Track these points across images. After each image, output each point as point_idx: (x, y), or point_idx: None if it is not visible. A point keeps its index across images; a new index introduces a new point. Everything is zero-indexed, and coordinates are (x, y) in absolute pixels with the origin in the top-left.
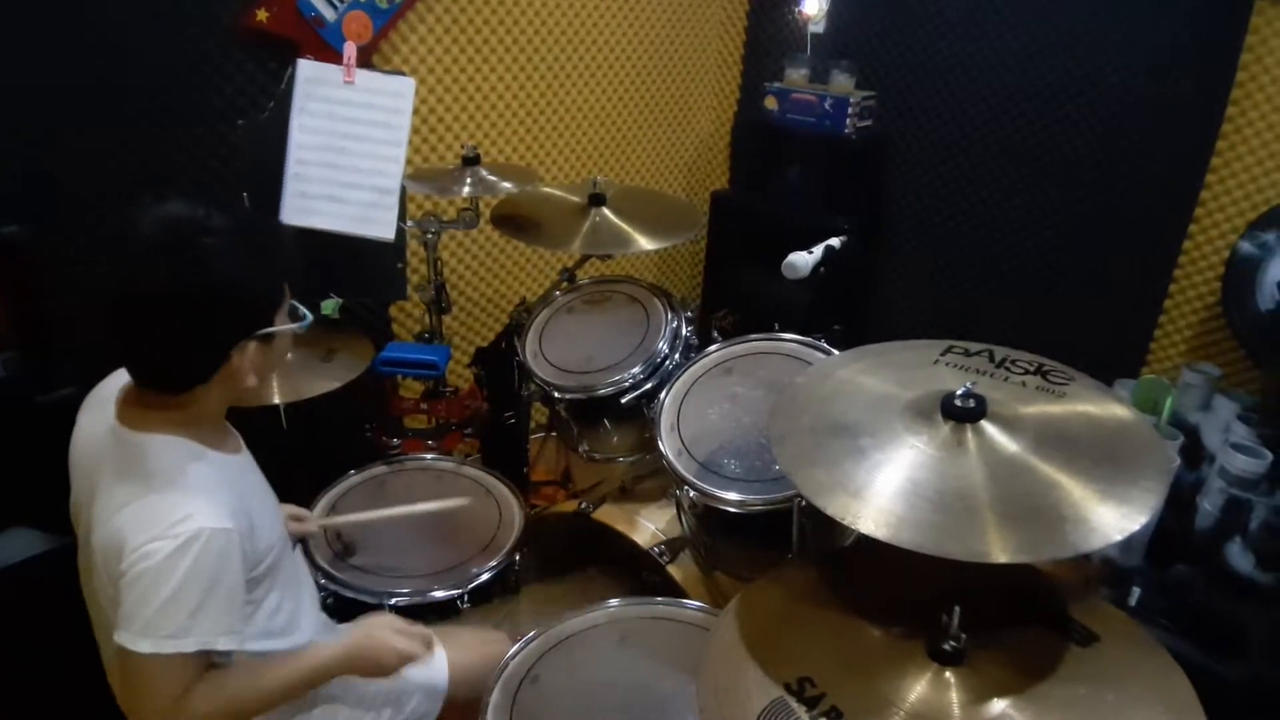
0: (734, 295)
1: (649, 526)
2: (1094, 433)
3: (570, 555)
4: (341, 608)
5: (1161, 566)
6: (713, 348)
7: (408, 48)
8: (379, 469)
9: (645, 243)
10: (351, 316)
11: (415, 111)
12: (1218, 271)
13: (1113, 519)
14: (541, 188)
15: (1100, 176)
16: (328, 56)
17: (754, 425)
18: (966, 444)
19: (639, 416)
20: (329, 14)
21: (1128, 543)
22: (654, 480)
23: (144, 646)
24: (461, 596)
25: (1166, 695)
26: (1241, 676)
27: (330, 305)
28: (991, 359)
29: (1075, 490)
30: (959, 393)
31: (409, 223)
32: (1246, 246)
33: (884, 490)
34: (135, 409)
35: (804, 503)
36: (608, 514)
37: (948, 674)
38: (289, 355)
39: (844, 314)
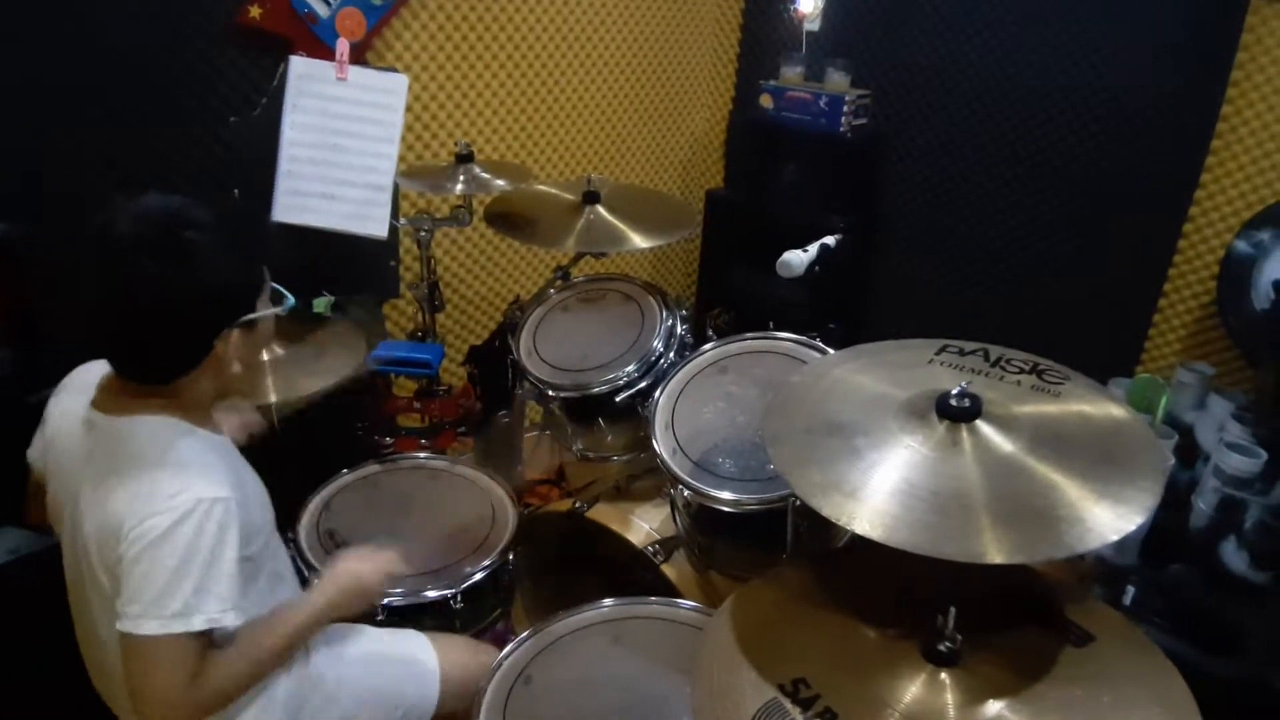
0: (729, 294)
1: (643, 526)
2: (1089, 432)
3: (564, 555)
4: None
5: (1156, 566)
6: (707, 346)
7: (401, 44)
8: (372, 468)
9: (640, 241)
10: (344, 314)
11: (408, 108)
12: (1212, 270)
13: (1109, 519)
14: (535, 185)
15: (1095, 175)
16: (320, 53)
17: (749, 424)
18: (962, 444)
19: (633, 415)
20: (322, 10)
21: (1122, 542)
22: (648, 479)
23: (150, 628)
24: (455, 596)
25: (1163, 696)
26: (1237, 675)
27: (322, 303)
28: (986, 358)
29: (1071, 490)
30: (954, 392)
31: (402, 220)
32: (1242, 246)
33: (879, 490)
34: (118, 397)
35: (799, 502)
36: (602, 513)
37: (943, 675)
38: (274, 346)
39: (839, 313)
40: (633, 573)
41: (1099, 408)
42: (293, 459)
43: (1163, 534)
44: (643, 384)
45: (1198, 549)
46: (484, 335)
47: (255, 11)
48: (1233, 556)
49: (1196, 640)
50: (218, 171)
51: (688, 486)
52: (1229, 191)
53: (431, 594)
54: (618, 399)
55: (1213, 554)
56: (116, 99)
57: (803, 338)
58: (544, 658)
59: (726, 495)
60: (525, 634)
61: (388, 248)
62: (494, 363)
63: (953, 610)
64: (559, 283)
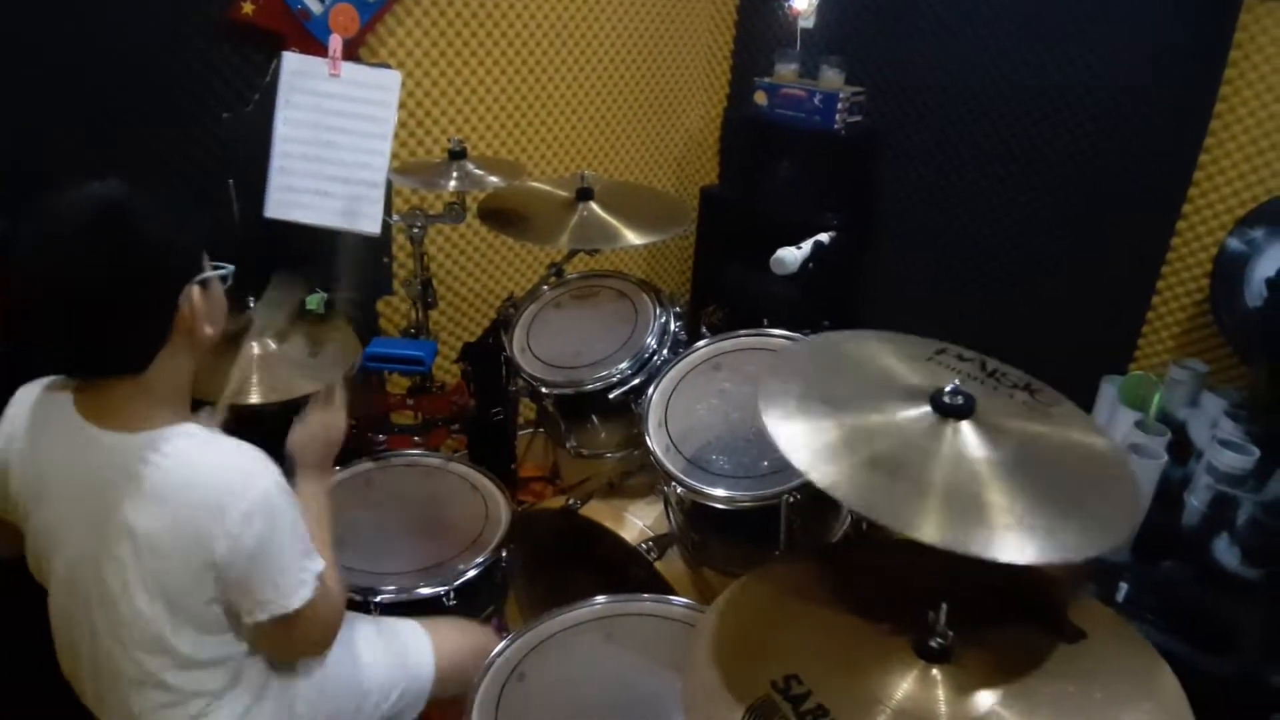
0: (723, 291)
1: (637, 523)
2: (1069, 467)
3: (558, 552)
4: None
5: (1149, 562)
6: (701, 343)
7: (394, 41)
8: (365, 465)
9: (633, 238)
10: (336, 311)
11: (402, 105)
12: (1206, 268)
13: (1030, 548)
14: (529, 182)
15: (1089, 172)
16: (314, 49)
17: (742, 421)
18: (943, 437)
19: (627, 412)
20: (315, 7)
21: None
22: (642, 476)
23: (297, 601)
24: (448, 593)
25: (1154, 692)
26: (1229, 672)
27: (315, 300)
28: (983, 368)
29: (1015, 510)
30: (948, 389)
31: (395, 217)
32: (1235, 243)
33: (847, 450)
34: (113, 412)
35: (792, 499)
36: (595, 510)
37: (934, 671)
38: (268, 342)
39: (833, 310)
40: (627, 570)
41: (1088, 441)
42: (284, 456)
43: (1156, 531)
44: (636, 381)
45: (1190, 546)
46: (478, 332)
47: (248, 8)
48: (1225, 553)
49: (1189, 637)
50: (211, 168)
51: (681, 484)
52: (1222, 189)
53: (424, 591)
54: (611, 396)
55: (1205, 551)
56: (110, 95)
57: (796, 334)
58: (537, 655)
59: (720, 492)
60: (518, 631)
61: (380, 245)
62: (488, 360)
63: (944, 606)
64: (553, 279)
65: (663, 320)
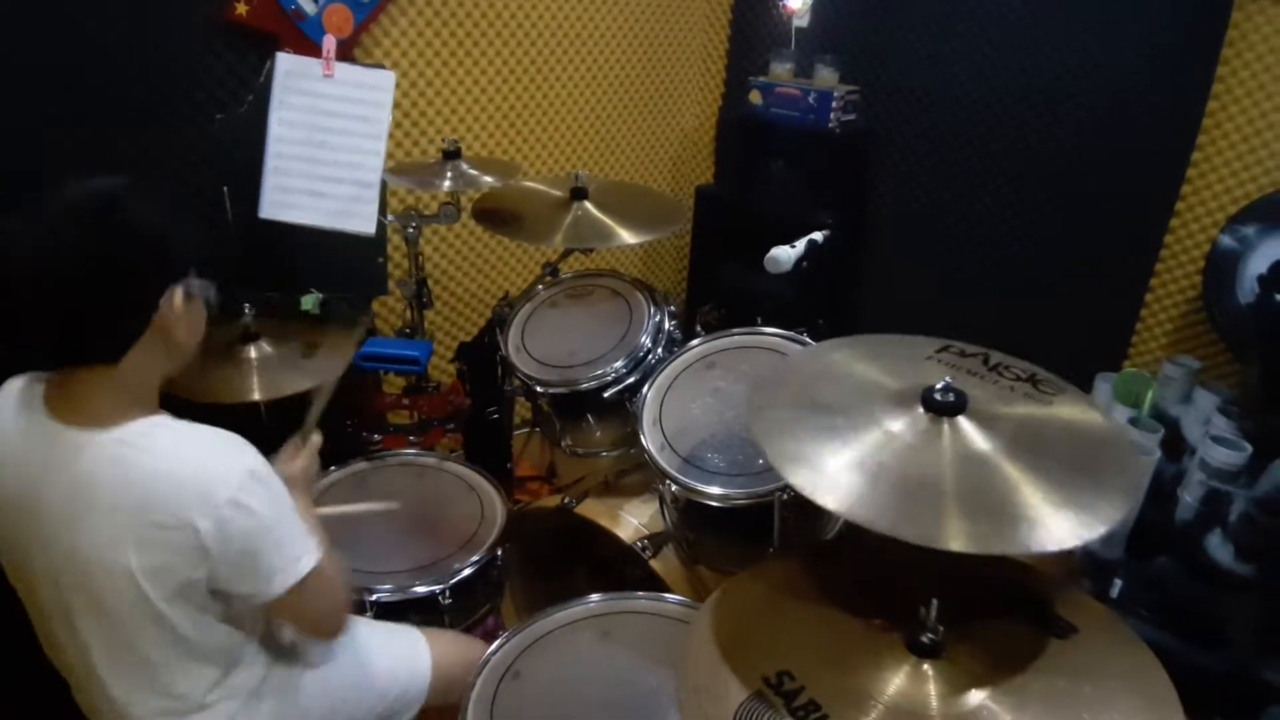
0: (719, 290)
1: (632, 521)
2: (1070, 441)
3: (553, 551)
4: None
5: (1143, 558)
6: (694, 342)
7: (389, 41)
8: (360, 465)
9: (628, 236)
10: (333, 311)
11: (396, 105)
12: (1199, 265)
13: (1068, 527)
14: (523, 182)
15: (1083, 170)
16: (307, 50)
17: (736, 419)
18: (941, 437)
19: (621, 411)
20: (309, 7)
21: (1109, 535)
22: (637, 475)
23: (305, 567)
24: (443, 592)
25: (1144, 687)
26: (1222, 667)
27: (310, 300)
28: (985, 362)
29: (1036, 493)
30: (939, 387)
31: (390, 217)
32: (1226, 240)
33: (849, 467)
34: (84, 410)
35: (785, 496)
36: (590, 509)
37: (926, 666)
38: (263, 344)
39: (829, 308)
40: (622, 568)
41: (1085, 418)
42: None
43: (1149, 527)
44: (631, 379)
45: (1183, 542)
46: (473, 332)
47: (242, 8)
48: (1218, 549)
49: (1183, 633)
50: (204, 169)
51: (675, 481)
52: (1214, 187)
53: (420, 589)
54: (606, 395)
55: (1198, 547)
56: (103, 95)
57: (789, 333)
58: (533, 653)
59: (714, 490)
60: (514, 629)
61: (375, 245)
62: (483, 360)
63: (935, 602)
64: (547, 279)
65: (657, 319)
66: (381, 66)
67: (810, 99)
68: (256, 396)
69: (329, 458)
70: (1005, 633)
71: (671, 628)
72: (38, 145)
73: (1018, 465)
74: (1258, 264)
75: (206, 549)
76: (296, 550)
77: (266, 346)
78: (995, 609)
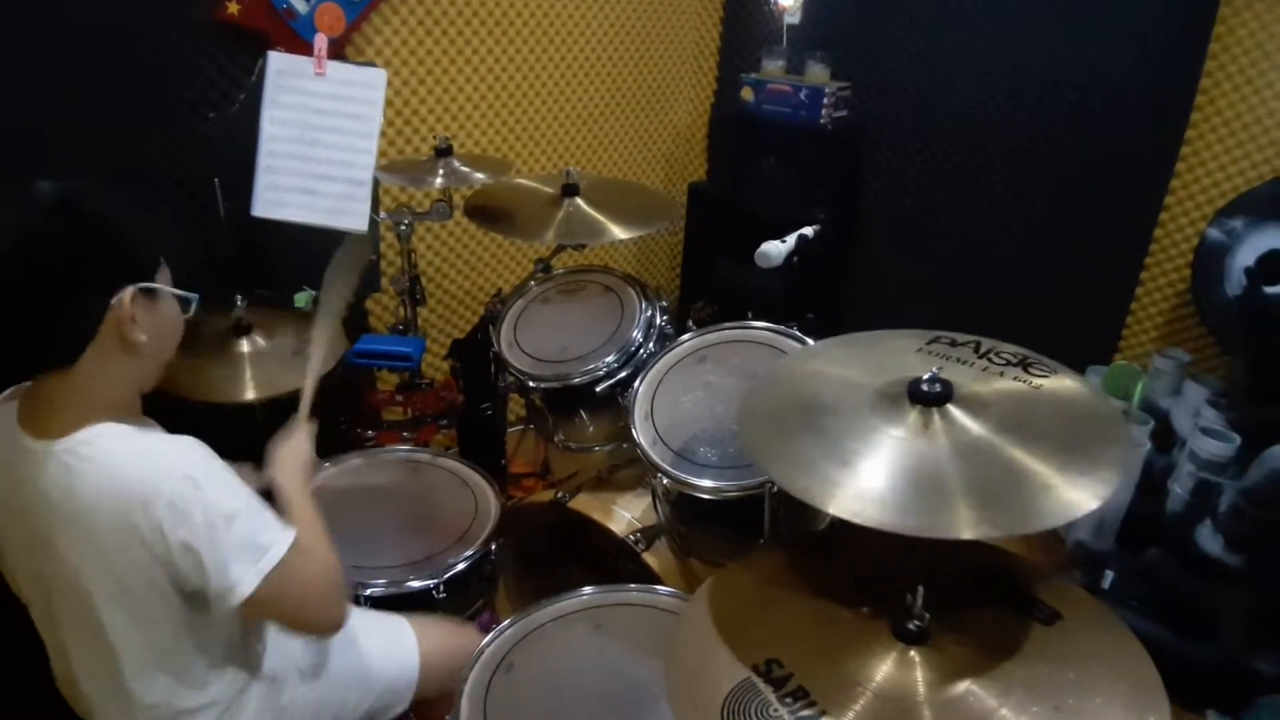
0: (712, 286)
1: (625, 515)
2: (1059, 416)
3: (547, 545)
4: None
5: (1134, 550)
6: (685, 337)
7: (381, 39)
8: (354, 461)
9: (619, 232)
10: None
11: (389, 103)
12: (1188, 258)
13: (1074, 497)
14: (515, 179)
15: (1073, 165)
16: (299, 49)
17: (727, 413)
18: (934, 427)
19: (614, 405)
20: (301, 6)
21: (1100, 526)
22: (631, 469)
23: (260, 573)
24: (437, 586)
25: (1128, 672)
26: (1213, 658)
27: (303, 298)
28: (977, 350)
29: (1038, 469)
30: (925, 378)
31: (382, 215)
32: (1215, 233)
33: (849, 469)
34: (45, 420)
35: (775, 488)
36: (584, 503)
37: (913, 653)
38: (256, 339)
39: (821, 303)
40: (616, 562)
41: (1072, 394)
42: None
43: (1140, 518)
44: (622, 374)
45: (1174, 533)
46: (467, 328)
47: (233, 7)
48: (1208, 540)
49: (1174, 623)
50: (196, 168)
51: (666, 475)
52: (1203, 180)
53: (414, 584)
54: (598, 389)
55: (1188, 538)
56: (94, 95)
57: (780, 327)
58: (526, 645)
59: (705, 483)
60: (507, 622)
61: (369, 242)
62: (476, 356)
63: (921, 590)
64: (540, 275)
65: (648, 314)
66: (373, 65)
67: (802, 95)
68: (250, 393)
69: (323, 453)
70: (991, 619)
71: (663, 620)
72: (28, 145)
73: (1012, 444)
74: (1245, 256)
75: (156, 556)
76: (259, 543)
77: (260, 341)
78: (981, 596)
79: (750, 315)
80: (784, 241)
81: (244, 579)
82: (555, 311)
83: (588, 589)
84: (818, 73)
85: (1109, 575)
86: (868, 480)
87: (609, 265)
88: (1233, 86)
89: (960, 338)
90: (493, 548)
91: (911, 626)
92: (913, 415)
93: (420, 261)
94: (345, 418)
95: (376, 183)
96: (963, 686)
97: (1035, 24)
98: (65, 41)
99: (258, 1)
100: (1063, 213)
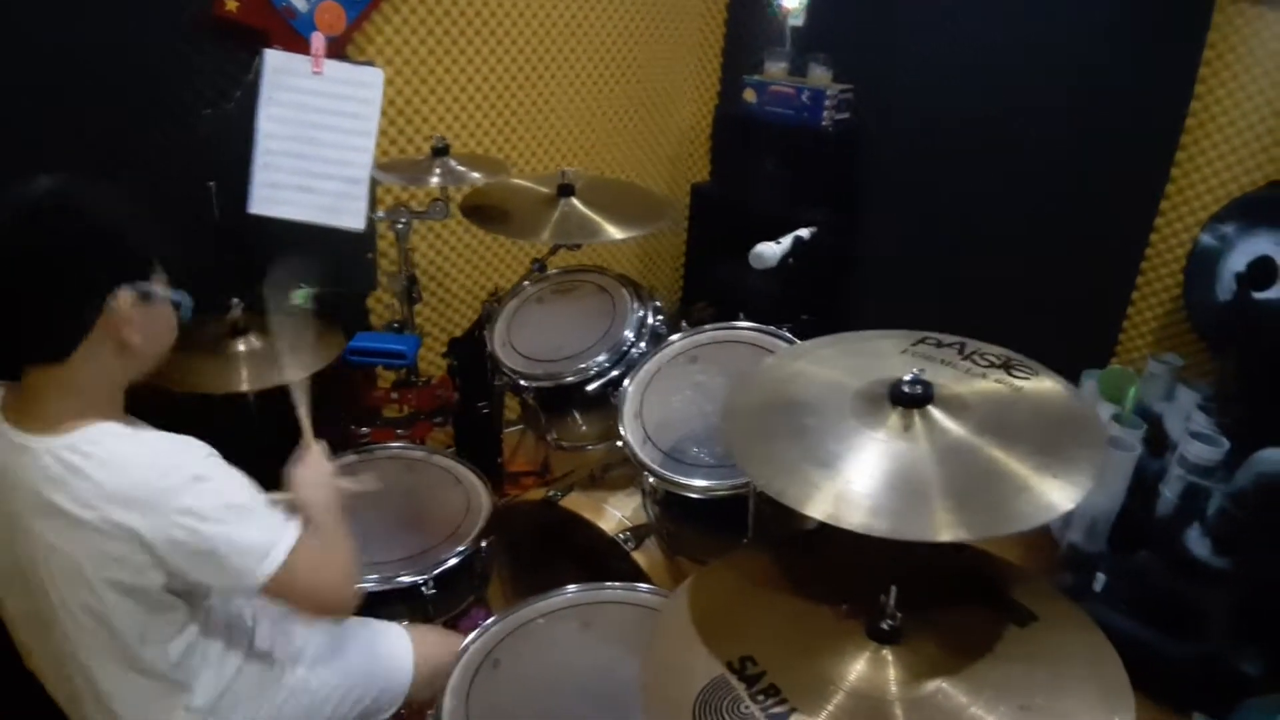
0: (713, 287)
1: (615, 514)
2: (1040, 418)
3: (540, 543)
4: None
5: (1125, 552)
6: (675, 337)
7: (382, 39)
8: (349, 458)
9: (614, 232)
10: (324, 306)
11: (389, 102)
12: (1183, 264)
13: (1050, 500)
14: (512, 178)
15: (1070, 170)
16: (299, 47)
17: (715, 412)
18: (914, 428)
19: (606, 404)
20: (301, 5)
21: (1092, 529)
22: (623, 469)
23: (271, 566)
24: (427, 582)
25: (1098, 673)
26: (1200, 660)
27: (302, 295)
28: (960, 351)
29: (1017, 471)
30: (906, 379)
31: (379, 213)
32: (1207, 239)
33: (828, 470)
34: (36, 414)
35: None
36: (575, 502)
37: (885, 652)
38: (252, 338)
39: (821, 305)
40: (606, 560)
41: (1052, 395)
42: (270, 447)
43: (1131, 521)
44: (614, 373)
45: (1163, 536)
46: (464, 327)
47: (232, 4)
48: (1196, 543)
49: (1162, 625)
50: (192, 164)
51: (653, 473)
52: (1198, 186)
53: (404, 579)
54: (589, 388)
55: (1177, 541)
56: (90, 91)
57: (770, 328)
58: (512, 642)
59: (692, 481)
60: (492, 619)
61: (365, 240)
62: (473, 355)
63: (894, 589)
64: (535, 275)
65: (640, 314)
66: (371, 64)
67: (804, 97)
68: (245, 388)
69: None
70: (965, 619)
71: (650, 618)
72: (23, 141)
73: (991, 446)
74: (1236, 261)
75: (159, 557)
76: (265, 541)
77: (255, 341)
78: (958, 597)
79: (741, 316)
80: (779, 243)
81: (253, 575)
82: (549, 311)
83: (571, 587)
84: (820, 75)
85: (1100, 578)
86: (846, 482)
87: (606, 266)
88: (1227, 93)
89: (946, 339)
90: (483, 545)
91: (885, 626)
92: (893, 416)
93: (420, 260)
94: (340, 414)
95: (374, 181)
96: (934, 685)
97: (1033, 31)
98: (61, 37)
99: None
100: (1061, 217)
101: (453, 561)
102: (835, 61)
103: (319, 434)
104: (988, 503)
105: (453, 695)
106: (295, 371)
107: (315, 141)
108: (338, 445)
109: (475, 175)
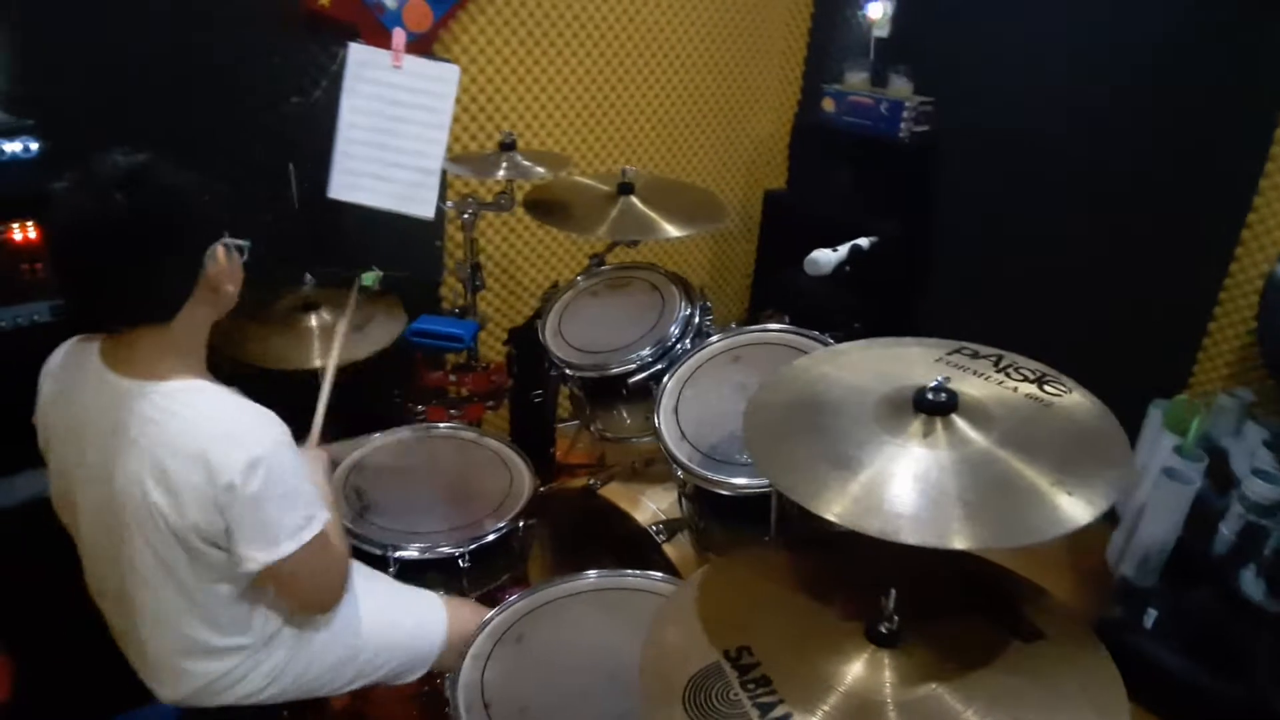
0: (782, 293)
1: (650, 506)
2: (1067, 435)
3: (580, 530)
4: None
5: (1178, 589)
6: (716, 335)
7: (468, 37)
8: (403, 434)
9: (670, 229)
10: (392, 288)
11: (472, 98)
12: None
13: (1063, 515)
14: (575, 175)
15: (1150, 194)
16: (386, 42)
17: None
18: (936, 436)
19: (648, 398)
20: (390, 2)
21: (1145, 562)
22: (665, 463)
23: (288, 547)
24: (462, 555)
25: (1097, 697)
26: (1246, 702)
27: (371, 277)
28: (996, 363)
29: (1033, 484)
30: (930, 386)
31: (448, 203)
32: None
33: (845, 471)
34: (135, 361)
35: None
36: (614, 492)
37: (883, 655)
38: (324, 313)
39: (884, 315)
40: (640, 551)
41: (1083, 413)
42: (331, 418)
43: (1187, 557)
44: (657, 367)
45: (1218, 575)
46: (526, 316)
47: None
48: (1250, 585)
49: (1210, 664)
50: (277, 149)
51: (683, 467)
52: None
53: (443, 549)
54: (631, 381)
55: (1232, 581)
56: (188, 77)
57: (814, 333)
58: (534, 619)
59: (721, 478)
60: (515, 595)
61: (433, 228)
62: (530, 344)
63: (893, 593)
64: (592, 269)
65: (687, 312)
66: (448, 60)
67: (882, 108)
68: (317, 362)
69: (375, 425)
70: (971, 630)
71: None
72: (121, 120)
73: (1012, 457)
74: None
75: (220, 504)
76: (307, 514)
77: (326, 317)
78: (968, 607)
79: (787, 320)
80: (835, 250)
81: (287, 541)
82: (600, 305)
83: (592, 572)
84: (900, 86)
85: (1152, 613)
86: (862, 484)
87: (684, 271)
88: None
89: (984, 350)
90: (520, 525)
91: (883, 629)
92: (916, 423)
93: (489, 249)
94: (398, 391)
95: (444, 172)
96: (927, 690)
97: (1118, 56)
98: (163, 23)
99: None
100: (1138, 242)
101: (490, 538)
102: (917, 74)
103: (376, 409)
104: (999, 514)
105: (472, 662)
106: (332, 357)
107: (392, 132)
108: (394, 421)
109: (540, 170)
